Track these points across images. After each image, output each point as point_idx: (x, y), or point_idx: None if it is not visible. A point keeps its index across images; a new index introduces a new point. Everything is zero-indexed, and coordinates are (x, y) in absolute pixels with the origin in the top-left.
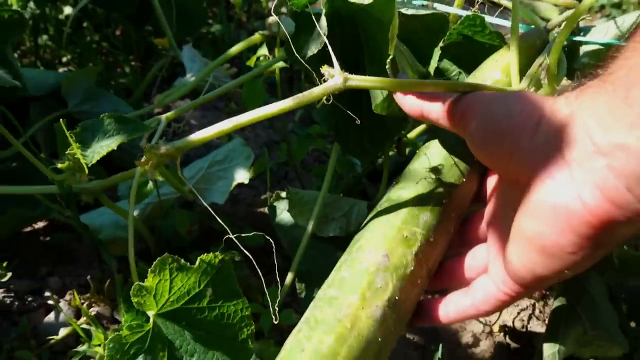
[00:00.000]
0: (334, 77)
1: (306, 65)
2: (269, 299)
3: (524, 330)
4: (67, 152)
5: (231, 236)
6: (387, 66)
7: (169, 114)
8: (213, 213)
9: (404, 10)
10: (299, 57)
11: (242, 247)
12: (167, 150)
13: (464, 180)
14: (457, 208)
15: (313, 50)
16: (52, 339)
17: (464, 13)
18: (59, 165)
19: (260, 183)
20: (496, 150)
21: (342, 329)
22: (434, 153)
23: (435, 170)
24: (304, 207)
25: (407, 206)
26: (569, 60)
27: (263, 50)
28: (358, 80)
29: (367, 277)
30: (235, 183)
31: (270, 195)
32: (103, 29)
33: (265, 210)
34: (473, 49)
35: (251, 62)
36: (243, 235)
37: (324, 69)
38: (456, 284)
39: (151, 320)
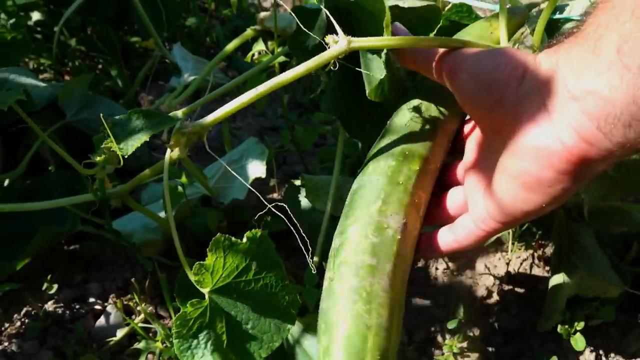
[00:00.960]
0: (339, 42)
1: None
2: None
3: (529, 277)
4: (102, 146)
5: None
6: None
7: (184, 109)
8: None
9: (400, 3)
10: (301, 50)
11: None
12: (194, 128)
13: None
14: (442, 148)
15: (315, 40)
16: (110, 340)
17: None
18: (97, 159)
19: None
20: (484, 101)
21: (390, 300)
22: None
23: (418, 109)
24: (320, 191)
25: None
26: (549, 36)
27: (260, 46)
28: (360, 42)
29: (395, 245)
30: (253, 177)
31: (277, 181)
32: (79, 33)
33: (275, 195)
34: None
35: (248, 58)
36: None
37: (328, 37)
38: (440, 221)
39: (207, 296)
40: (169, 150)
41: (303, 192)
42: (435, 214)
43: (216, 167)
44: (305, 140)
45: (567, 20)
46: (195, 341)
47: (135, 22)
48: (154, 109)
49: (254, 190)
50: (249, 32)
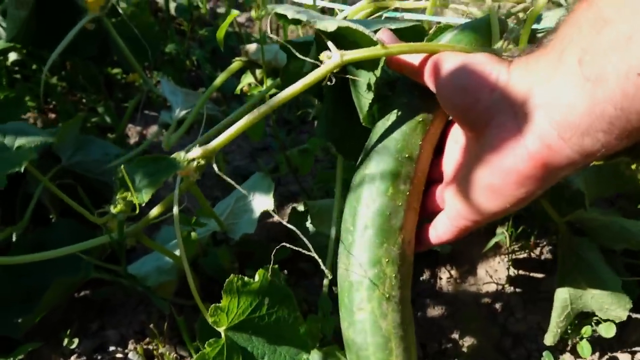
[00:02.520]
0: (333, 56)
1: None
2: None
3: (530, 279)
4: (117, 197)
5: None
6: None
7: (188, 147)
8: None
9: (388, 26)
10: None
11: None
12: (203, 152)
13: (429, 132)
14: (428, 151)
15: (309, 66)
16: None
17: (436, 19)
18: (114, 210)
19: None
20: (460, 103)
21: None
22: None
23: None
24: (323, 216)
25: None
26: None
27: (249, 78)
28: (353, 54)
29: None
30: (261, 210)
31: (276, 204)
32: (59, 70)
33: (276, 219)
34: None
35: (238, 90)
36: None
37: (323, 55)
38: (428, 215)
39: (223, 335)
40: (178, 179)
41: (306, 217)
42: (424, 209)
43: (224, 205)
44: (303, 165)
45: (545, 30)
46: None
47: (116, 55)
48: (147, 144)
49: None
50: (235, 64)
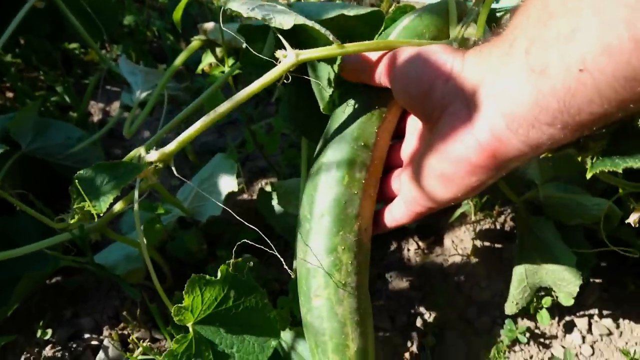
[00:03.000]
0: (288, 56)
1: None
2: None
3: (493, 249)
4: (75, 206)
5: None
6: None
7: (146, 144)
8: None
9: (345, 12)
10: (253, 65)
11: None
12: (160, 156)
13: (385, 121)
14: (385, 140)
15: (267, 55)
16: None
17: None
18: (72, 221)
19: None
20: (415, 94)
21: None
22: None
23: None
24: (290, 196)
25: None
26: (491, 25)
27: (209, 57)
28: (308, 54)
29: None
30: (226, 192)
31: (244, 180)
32: (13, 48)
33: (245, 196)
34: None
35: (199, 70)
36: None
37: (278, 53)
38: (386, 199)
39: (190, 329)
40: (138, 180)
41: (274, 197)
42: (383, 194)
43: (189, 188)
44: (269, 144)
45: (505, 9)
46: None
47: (71, 32)
48: (109, 127)
49: (228, 209)
50: (195, 43)
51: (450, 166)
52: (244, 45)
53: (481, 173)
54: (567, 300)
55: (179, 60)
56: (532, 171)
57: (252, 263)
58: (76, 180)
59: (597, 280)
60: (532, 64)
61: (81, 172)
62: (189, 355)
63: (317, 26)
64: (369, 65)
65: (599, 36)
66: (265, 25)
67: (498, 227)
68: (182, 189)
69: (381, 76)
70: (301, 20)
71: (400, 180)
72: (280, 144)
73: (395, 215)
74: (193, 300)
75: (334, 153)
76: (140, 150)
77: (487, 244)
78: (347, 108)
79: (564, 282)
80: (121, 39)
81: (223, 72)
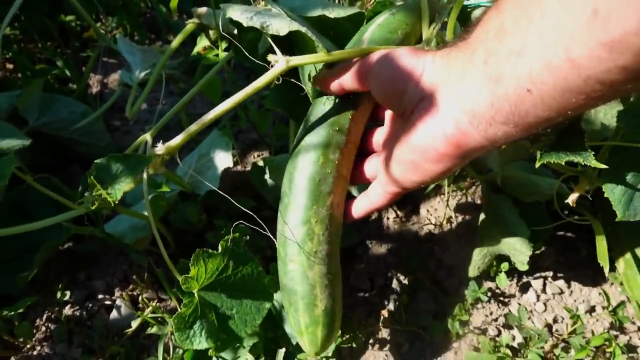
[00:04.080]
0: (279, 62)
1: (255, 60)
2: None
3: (463, 218)
4: (94, 194)
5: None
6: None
7: (151, 131)
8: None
9: (327, 13)
10: (247, 55)
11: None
12: (166, 150)
13: (359, 109)
14: (359, 126)
15: (261, 50)
16: (128, 331)
17: None
18: (92, 208)
19: None
20: (391, 92)
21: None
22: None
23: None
24: (280, 170)
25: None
26: (462, 21)
27: (204, 41)
28: (297, 60)
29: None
30: (222, 168)
31: (238, 152)
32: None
33: (239, 167)
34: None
35: (194, 53)
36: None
37: (270, 57)
38: (360, 182)
39: (196, 295)
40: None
41: (266, 171)
42: (356, 177)
43: (188, 163)
44: (261, 123)
45: (477, 6)
46: (191, 331)
47: (69, 9)
48: (110, 103)
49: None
50: (189, 26)
51: (420, 154)
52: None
53: (447, 161)
54: (521, 266)
55: (175, 42)
56: (491, 157)
57: (247, 237)
58: (94, 169)
59: (554, 246)
60: (489, 73)
61: (98, 161)
62: (195, 317)
63: (309, 33)
64: (351, 75)
65: (542, 56)
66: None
67: (469, 199)
68: (181, 165)
69: (360, 79)
70: (295, 26)
71: (379, 164)
72: (271, 118)
73: (372, 197)
74: (198, 271)
75: (312, 137)
76: (147, 137)
77: (458, 214)
78: (326, 98)
79: (517, 252)
80: (116, 11)
81: (217, 55)
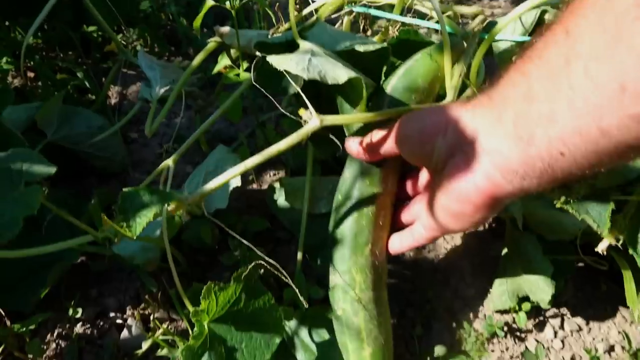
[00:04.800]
0: (312, 120)
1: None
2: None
3: (481, 247)
4: (116, 223)
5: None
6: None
7: (173, 157)
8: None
9: (356, 47)
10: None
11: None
12: (193, 199)
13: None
14: (391, 177)
15: (290, 92)
16: (138, 351)
17: (401, 19)
18: (116, 240)
19: None
20: (420, 154)
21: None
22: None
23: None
24: (297, 192)
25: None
26: (486, 54)
27: (225, 60)
28: (331, 120)
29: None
30: (232, 188)
31: (254, 172)
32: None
33: (254, 186)
34: (408, 45)
35: (215, 71)
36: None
37: (302, 113)
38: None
39: (206, 327)
40: (165, 207)
41: (281, 193)
42: (395, 224)
43: (196, 180)
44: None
45: (501, 40)
46: None
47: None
48: (130, 117)
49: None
50: (211, 45)
51: (457, 205)
52: (258, 54)
53: (482, 211)
54: (543, 305)
55: (197, 60)
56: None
57: (262, 270)
58: (120, 199)
59: (573, 281)
60: (520, 134)
61: (125, 191)
62: (204, 349)
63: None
64: (390, 145)
65: (572, 123)
66: (280, 43)
67: (487, 227)
68: (189, 180)
69: (392, 144)
70: (353, 74)
71: (417, 209)
72: None
73: (416, 235)
74: (209, 304)
75: (346, 191)
76: (169, 163)
77: (475, 243)
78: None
79: (539, 290)
80: (137, 23)
81: (237, 74)
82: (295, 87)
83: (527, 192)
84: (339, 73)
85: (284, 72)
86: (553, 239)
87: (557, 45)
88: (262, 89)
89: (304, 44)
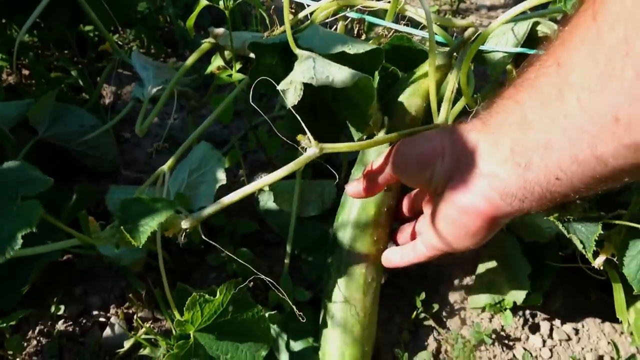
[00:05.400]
0: (312, 148)
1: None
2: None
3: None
4: (118, 235)
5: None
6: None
7: (169, 163)
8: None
9: (346, 49)
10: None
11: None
12: (191, 222)
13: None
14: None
15: (289, 103)
16: (120, 350)
17: (395, 26)
18: (117, 250)
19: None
20: (420, 177)
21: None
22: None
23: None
24: (285, 195)
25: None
26: (479, 65)
27: (218, 61)
28: (331, 148)
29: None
30: (217, 186)
31: (246, 172)
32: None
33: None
34: (401, 51)
35: (208, 71)
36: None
37: (301, 139)
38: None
39: (191, 336)
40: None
41: (269, 196)
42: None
43: (180, 177)
44: (270, 147)
45: (491, 50)
46: None
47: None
48: (122, 116)
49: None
50: (205, 45)
51: (457, 226)
52: (252, 55)
53: (484, 231)
54: (518, 302)
55: (189, 61)
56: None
57: (251, 284)
58: (120, 208)
59: (563, 288)
60: (517, 160)
61: (124, 200)
62: (188, 358)
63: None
64: (385, 173)
65: (569, 151)
66: (274, 43)
67: None
68: (173, 177)
69: (389, 172)
70: (360, 74)
71: (420, 226)
72: (280, 141)
73: (418, 252)
74: (193, 315)
75: (343, 215)
76: (164, 169)
77: (466, 251)
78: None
79: (515, 287)
80: (134, 24)
81: (230, 75)
82: (287, 104)
83: (526, 212)
84: (346, 75)
85: (281, 93)
86: (530, 241)
87: (549, 76)
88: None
89: (301, 53)
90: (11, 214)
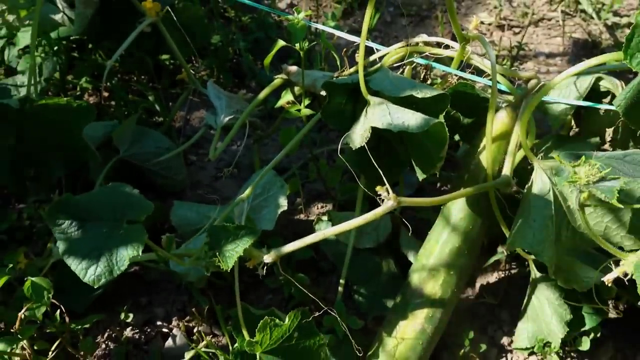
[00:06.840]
0: (390, 201)
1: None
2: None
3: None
4: (207, 260)
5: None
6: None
7: (247, 192)
8: None
9: (415, 94)
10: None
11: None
12: (273, 258)
13: None
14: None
15: (356, 144)
16: None
17: (459, 73)
18: (207, 273)
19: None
20: None
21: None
22: None
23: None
24: None
25: None
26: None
27: (288, 95)
28: (409, 202)
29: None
30: (279, 211)
31: (303, 201)
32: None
33: (302, 216)
34: (464, 97)
35: (277, 105)
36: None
37: (380, 190)
38: None
39: (258, 357)
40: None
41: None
42: None
43: (243, 205)
44: (331, 178)
45: (555, 102)
46: None
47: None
48: (195, 139)
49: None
50: (277, 81)
51: None
52: (323, 93)
53: None
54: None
55: (262, 94)
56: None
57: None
58: (208, 235)
59: (614, 340)
60: None
61: (211, 228)
62: None
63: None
64: None
65: None
66: (346, 84)
67: (526, 272)
68: (235, 200)
69: None
70: (433, 119)
71: None
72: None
73: None
74: (263, 337)
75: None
76: (243, 197)
77: (514, 288)
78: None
79: (552, 332)
80: (207, 55)
81: (299, 110)
82: (355, 146)
83: None
84: (419, 121)
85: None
86: (568, 288)
87: None
88: (327, 122)
89: (373, 100)
90: (118, 237)
